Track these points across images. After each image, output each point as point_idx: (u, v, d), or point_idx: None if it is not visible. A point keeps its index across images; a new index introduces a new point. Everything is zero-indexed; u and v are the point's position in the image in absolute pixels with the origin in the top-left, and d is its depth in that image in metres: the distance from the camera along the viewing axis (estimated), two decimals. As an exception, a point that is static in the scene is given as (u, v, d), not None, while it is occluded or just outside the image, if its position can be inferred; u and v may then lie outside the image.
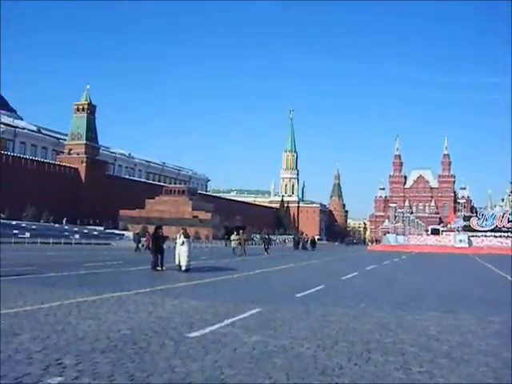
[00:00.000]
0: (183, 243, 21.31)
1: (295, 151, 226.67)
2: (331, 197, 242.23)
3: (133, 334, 8.05)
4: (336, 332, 8.90)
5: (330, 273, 26.04)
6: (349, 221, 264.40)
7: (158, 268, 21.30)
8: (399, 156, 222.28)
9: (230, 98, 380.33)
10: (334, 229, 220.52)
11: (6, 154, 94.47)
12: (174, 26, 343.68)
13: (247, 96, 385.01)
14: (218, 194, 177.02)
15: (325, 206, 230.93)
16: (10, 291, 12.78)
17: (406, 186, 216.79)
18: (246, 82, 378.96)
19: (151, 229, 30.49)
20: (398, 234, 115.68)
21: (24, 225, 70.59)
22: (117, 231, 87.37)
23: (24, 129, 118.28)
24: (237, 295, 13.98)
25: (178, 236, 21.93)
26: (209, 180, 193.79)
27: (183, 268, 20.83)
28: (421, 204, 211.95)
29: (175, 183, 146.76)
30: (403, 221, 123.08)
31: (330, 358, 6.89)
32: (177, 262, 21.44)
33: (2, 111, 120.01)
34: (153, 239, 22.79)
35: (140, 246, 40.93)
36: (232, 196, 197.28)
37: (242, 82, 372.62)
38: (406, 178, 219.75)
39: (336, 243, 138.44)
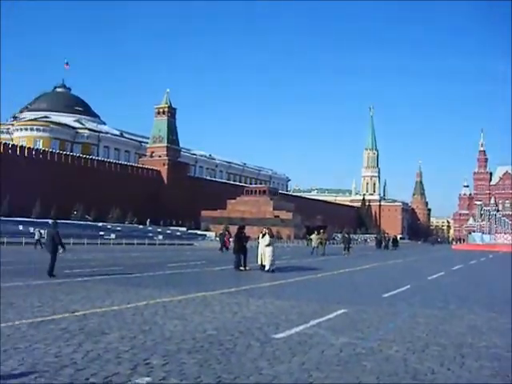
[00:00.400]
0: (269, 244, 21.19)
1: (376, 149, 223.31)
2: (413, 195, 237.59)
3: (218, 335, 8.05)
4: (426, 334, 8.64)
5: (416, 272, 25.47)
6: (432, 219, 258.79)
7: (241, 268, 21.33)
8: (484, 152, 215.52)
9: (309, 97, 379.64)
10: (417, 227, 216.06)
11: (91, 159, 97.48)
12: (255, 27, 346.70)
13: (326, 94, 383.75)
14: (298, 194, 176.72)
15: (407, 204, 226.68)
16: (97, 291, 13.13)
17: (491, 183, 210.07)
18: (326, 81, 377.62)
19: (233, 229, 30.60)
20: (483, 233, 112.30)
21: (109, 226, 72.82)
22: (199, 232, 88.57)
23: (107, 133, 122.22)
24: (321, 295, 13.81)
25: (261, 236, 21.85)
26: (289, 180, 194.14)
27: (267, 268, 20.75)
28: (507, 201, 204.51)
29: (256, 183, 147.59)
30: (489, 219, 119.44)
31: (420, 362, 6.68)
32: (259, 262, 21.42)
33: (86, 117, 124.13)
34: (236, 239, 22.82)
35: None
36: (313, 195, 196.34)
37: (321, 80, 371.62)
38: (491, 174, 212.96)
39: (419, 242, 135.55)
